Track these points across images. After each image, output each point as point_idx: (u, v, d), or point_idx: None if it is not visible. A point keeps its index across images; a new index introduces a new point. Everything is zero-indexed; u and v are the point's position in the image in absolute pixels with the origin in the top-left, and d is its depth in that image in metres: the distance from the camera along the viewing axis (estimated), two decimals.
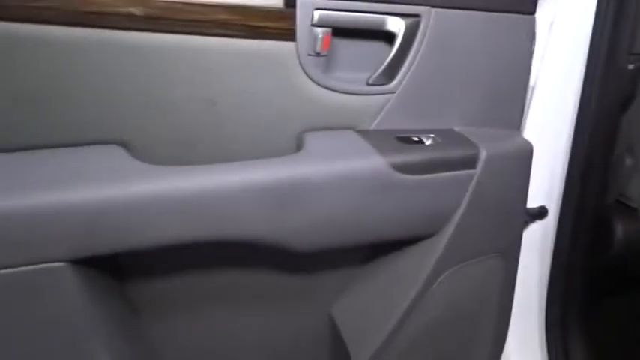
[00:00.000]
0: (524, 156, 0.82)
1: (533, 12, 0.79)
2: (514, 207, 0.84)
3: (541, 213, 1.11)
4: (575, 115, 1.02)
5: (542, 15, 0.96)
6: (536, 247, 1.14)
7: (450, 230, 0.79)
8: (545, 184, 1.11)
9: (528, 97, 1.04)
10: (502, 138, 0.82)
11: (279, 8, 0.66)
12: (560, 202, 1.10)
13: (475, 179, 0.77)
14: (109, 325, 0.64)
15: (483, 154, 0.77)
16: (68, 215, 0.56)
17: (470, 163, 0.77)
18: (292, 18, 0.67)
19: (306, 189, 0.67)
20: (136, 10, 0.60)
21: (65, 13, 0.58)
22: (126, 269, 0.72)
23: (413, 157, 0.73)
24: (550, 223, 1.13)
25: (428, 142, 0.77)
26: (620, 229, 1.16)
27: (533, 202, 1.12)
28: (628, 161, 1.13)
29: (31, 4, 0.56)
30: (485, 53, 0.78)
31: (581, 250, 1.12)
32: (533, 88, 1.04)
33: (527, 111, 1.07)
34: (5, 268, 0.56)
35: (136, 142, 0.66)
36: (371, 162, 0.70)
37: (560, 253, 1.13)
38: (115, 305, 0.69)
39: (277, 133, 0.72)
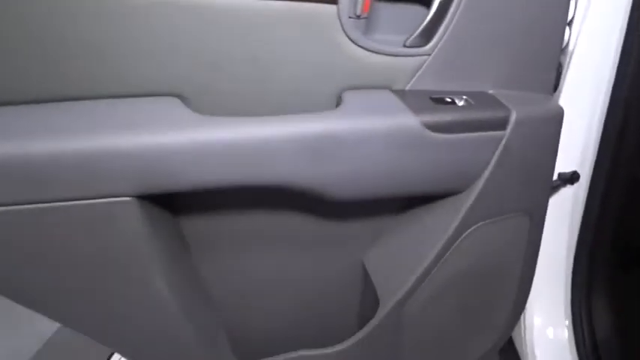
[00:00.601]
0: (555, 120, 0.85)
1: None
2: (542, 169, 0.88)
3: (573, 178, 1.14)
4: (611, 82, 1.03)
5: None
6: (567, 209, 1.18)
7: (477, 188, 0.83)
8: (579, 150, 1.13)
9: (566, 61, 1.06)
10: (534, 101, 0.85)
11: None
12: (592, 166, 1.13)
13: (504, 140, 0.81)
14: (165, 254, 0.73)
15: (513, 116, 0.80)
16: (134, 157, 0.65)
17: (500, 124, 0.81)
18: None
19: (343, 142, 0.73)
20: None
21: None
22: (180, 208, 0.80)
23: (444, 116, 0.77)
24: (582, 187, 1.16)
25: (460, 103, 0.82)
26: None
27: (566, 167, 1.15)
28: None
29: None
30: (520, 17, 0.81)
31: (611, 213, 1.15)
32: (572, 52, 1.06)
33: (565, 75, 1.09)
34: (81, 199, 0.66)
35: (190, 94, 0.73)
36: (404, 120, 0.75)
37: (590, 216, 1.16)
38: (170, 238, 0.78)
39: (317, 90, 0.78)
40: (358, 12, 0.74)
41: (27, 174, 0.62)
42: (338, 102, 0.78)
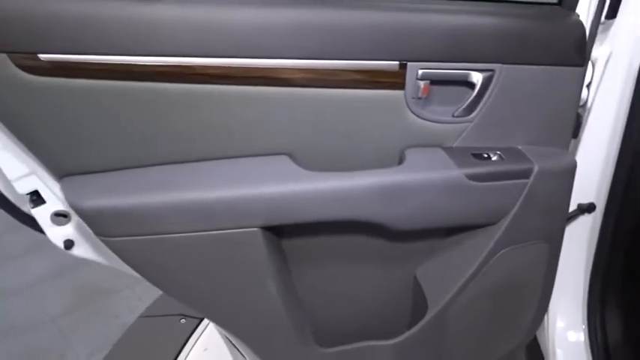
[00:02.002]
0: (569, 170, 1.10)
1: (583, 64, 1.06)
2: (558, 208, 1.13)
3: (590, 208, 1.38)
4: (623, 129, 1.27)
5: (601, 51, 1.22)
6: (584, 235, 1.42)
7: (506, 222, 1.09)
8: (596, 184, 1.37)
9: (585, 114, 1.31)
10: (553, 155, 1.11)
11: (395, 69, 0.99)
12: (607, 199, 1.37)
13: (528, 186, 1.07)
14: (275, 266, 1.04)
15: (536, 168, 1.06)
16: (262, 201, 0.95)
17: (525, 174, 1.06)
18: (403, 74, 0.99)
19: (406, 190, 1.01)
20: (305, 76, 0.95)
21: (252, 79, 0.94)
22: (285, 235, 1.11)
23: (481, 169, 1.04)
24: (598, 216, 1.40)
25: (494, 158, 1.08)
26: None
27: (584, 199, 1.40)
28: None
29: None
30: (542, 95, 1.07)
31: (623, 239, 1.39)
32: (589, 108, 1.31)
33: (585, 125, 1.34)
34: (220, 230, 0.96)
35: (297, 154, 1.02)
36: (451, 173, 1.02)
37: (604, 239, 1.40)
38: (281, 258, 1.08)
39: (389, 149, 1.05)
40: (419, 95, 1.01)
41: (194, 210, 0.93)
42: (402, 157, 1.06)
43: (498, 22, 1.00)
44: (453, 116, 1.05)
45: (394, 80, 0.99)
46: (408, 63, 0.97)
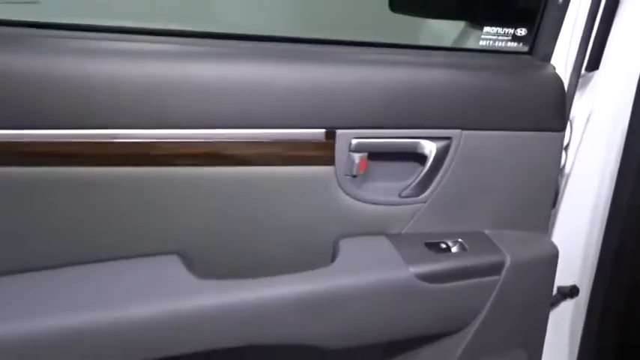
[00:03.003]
0: (549, 260, 0.87)
1: (562, 129, 0.83)
2: (537, 307, 0.89)
3: (572, 292, 1.15)
4: (608, 199, 1.05)
5: (580, 107, 1.00)
6: (566, 324, 1.18)
7: (473, 328, 0.85)
8: (579, 264, 1.14)
9: (563, 181, 1.08)
10: (529, 241, 0.87)
11: (320, 138, 0.74)
12: (592, 280, 1.14)
13: (499, 285, 0.83)
14: None
15: (508, 261, 0.82)
16: (127, 329, 0.67)
17: (495, 269, 0.82)
18: (332, 145, 0.74)
19: (337, 299, 0.75)
20: (201, 151, 0.69)
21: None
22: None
23: (438, 266, 0.79)
24: (581, 300, 1.16)
25: (454, 249, 0.84)
26: None
27: (565, 280, 1.16)
28: None
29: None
30: (515, 167, 0.83)
31: (612, 326, 1.15)
32: (568, 174, 1.08)
33: (563, 194, 1.11)
34: None
35: (190, 252, 0.75)
36: (397, 273, 0.77)
37: (590, 330, 1.16)
38: None
39: (315, 241, 0.80)
40: (354, 172, 0.76)
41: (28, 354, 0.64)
42: (335, 250, 0.80)
43: (456, 77, 0.77)
44: (401, 196, 0.81)
45: (320, 154, 0.74)
46: (337, 131, 0.73)
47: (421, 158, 0.80)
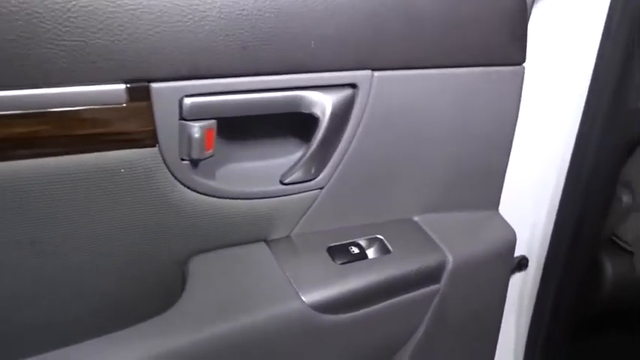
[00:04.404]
0: (505, 251, 0.61)
1: (522, 62, 0.55)
2: (489, 315, 0.64)
3: (521, 265, 0.93)
4: (568, 162, 0.80)
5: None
6: (514, 300, 0.97)
7: (405, 354, 0.59)
8: (527, 232, 0.92)
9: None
10: (477, 228, 0.61)
11: (120, 102, 0.40)
12: (546, 249, 0.92)
13: (438, 297, 0.56)
14: None
15: (449, 263, 0.55)
16: None
17: (432, 277, 0.56)
18: (147, 112, 0.41)
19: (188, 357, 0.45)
20: None
21: None
22: None
23: (346, 286, 0.51)
24: (531, 272, 0.95)
25: (371, 253, 0.55)
26: (610, 271, 1.00)
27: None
28: (624, 199, 0.94)
29: None
30: (456, 121, 0.55)
31: (567, 295, 0.96)
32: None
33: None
34: None
35: None
36: (284, 304, 0.48)
37: (544, 301, 0.96)
38: None
39: (148, 270, 0.48)
40: (196, 153, 0.44)
41: None
42: (184, 278, 0.49)
43: None
44: (284, 183, 0.50)
45: (125, 127, 0.41)
46: (152, 85, 0.40)
47: (310, 122, 0.49)
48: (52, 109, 0.38)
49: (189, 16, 0.40)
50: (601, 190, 0.82)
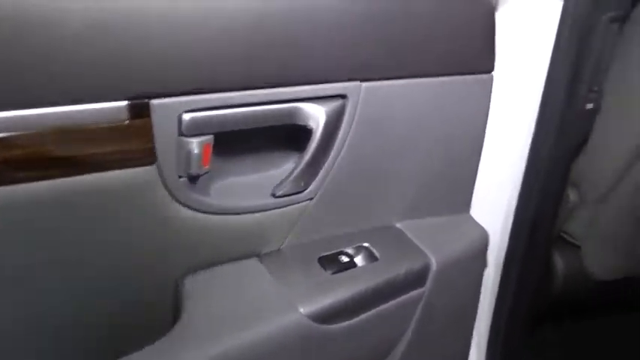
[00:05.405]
0: (479, 251, 0.64)
1: (491, 70, 0.58)
2: (467, 310, 0.67)
3: None
4: (525, 162, 0.84)
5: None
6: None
7: (396, 357, 0.60)
8: (490, 232, 0.95)
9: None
10: (453, 230, 0.63)
11: (120, 119, 0.39)
12: (505, 249, 0.96)
13: (425, 298, 0.58)
14: None
15: (433, 265, 0.58)
16: None
17: (418, 280, 0.57)
18: (147, 129, 0.41)
19: None
20: None
21: None
22: None
23: (338, 296, 0.51)
24: (491, 268, 0.99)
25: (360, 261, 0.56)
26: (561, 266, 1.05)
27: None
28: (572, 196, 1.00)
29: None
30: (435, 128, 0.57)
31: (526, 289, 1.00)
32: None
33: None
34: None
35: None
36: (282, 320, 0.48)
37: (504, 296, 1.00)
38: None
39: (145, 290, 0.47)
40: (194, 169, 0.44)
41: None
42: (179, 298, 0.48)
43: (350, 4, 0.47)
44: (275, 196, 0.50)
45: (125, 146, 0.41)
46: (152, 101, 0.39)
47: (301, 134, 0.50)
48: (51, 129, 0.37)
49: (189, 33, 0.40)
50: (556, 188, 0.87)
